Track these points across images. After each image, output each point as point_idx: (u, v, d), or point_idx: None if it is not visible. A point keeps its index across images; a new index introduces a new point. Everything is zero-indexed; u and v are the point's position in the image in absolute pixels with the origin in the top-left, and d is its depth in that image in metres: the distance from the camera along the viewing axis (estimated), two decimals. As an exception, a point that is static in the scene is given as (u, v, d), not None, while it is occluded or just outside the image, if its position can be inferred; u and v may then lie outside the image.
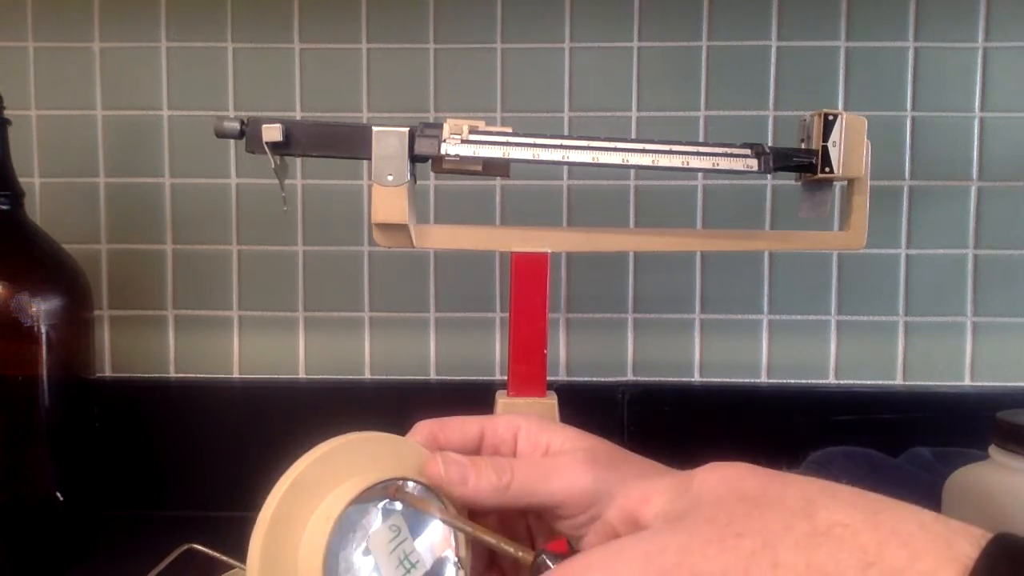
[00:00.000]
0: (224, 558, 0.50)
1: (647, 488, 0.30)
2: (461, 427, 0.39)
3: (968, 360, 0.71)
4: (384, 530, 0.32)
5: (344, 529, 0.31)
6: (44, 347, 0.57)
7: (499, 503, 0.33)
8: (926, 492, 0.44)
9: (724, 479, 0.28)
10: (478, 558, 0.37)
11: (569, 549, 0.32)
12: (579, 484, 0.34)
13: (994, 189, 0.70)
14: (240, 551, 0.50)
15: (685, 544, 0.26)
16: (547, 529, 0.37)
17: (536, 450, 0.37)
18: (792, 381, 0.72)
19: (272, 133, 0.49)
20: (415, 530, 0.33)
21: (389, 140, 0.49)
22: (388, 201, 0.49)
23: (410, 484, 0.34)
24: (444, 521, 0.33)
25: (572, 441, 0.37)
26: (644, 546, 0.27)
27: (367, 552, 0.32)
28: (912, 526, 0.24)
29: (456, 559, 0.34)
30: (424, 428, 0.38)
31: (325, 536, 0.30)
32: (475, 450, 0.39)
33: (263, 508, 0.31)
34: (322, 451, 0.33)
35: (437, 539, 0.34)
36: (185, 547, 0.51)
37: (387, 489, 0.33)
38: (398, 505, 0.33)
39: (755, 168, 0.51)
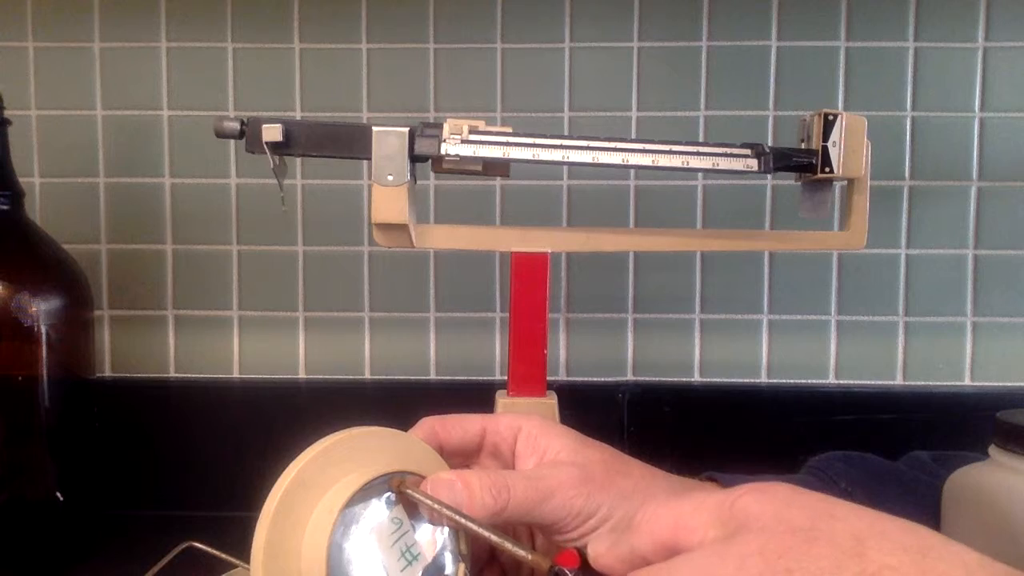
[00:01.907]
0: (225, 556, 0.50)
1: (679, 513, 0.29)
2: (463, 424, 0.39)
3: (968, 360, 0.71)
4: (386, 523, 0.33)
5: (347, 522, 0.31)
6: (44, 347, 0.57)
7: (494, 522, 0.33)
8: (925, 496, 0.44)
9: (770, 506, 0.27)
10: (479, 552, 0.37)
11: (581, 561, 0.32)
12: (574, 506, 0.34)
13: (994, 189, 0.70)
14: (241, 550, 0.50)
15: (734, 574, 0.25)
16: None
17: (534, 454, 0.37)
18: (792, 381, 0.72)
19: (272, 133, 0.49)
20: (417, 523, 0.33)
21: (389, 140, 0.49)
22: (388, 201, 0.49)
23: (411, 478, 0.34)
24: (442, 520, 0.33)
25: (569, 451, 0.37)
26: (693, 569, 0.26)
27: (370, 545, 0.32)
28: (958, 571, 0.24)
29: (457, 552, 0.34)
30: (426, 424, 0.39)
31: (328, 529, 0.31)
32: (476, 448, 0.39)
33: (267, 502, 0.31)
34: (325, 445, 0.33)
35: (438, 532, 0.34)
36: (185, 545, 0.51)
37: (389, 483, 0.33)
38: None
39: (755, 168, 0.51)
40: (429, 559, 0.33)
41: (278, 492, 0.31)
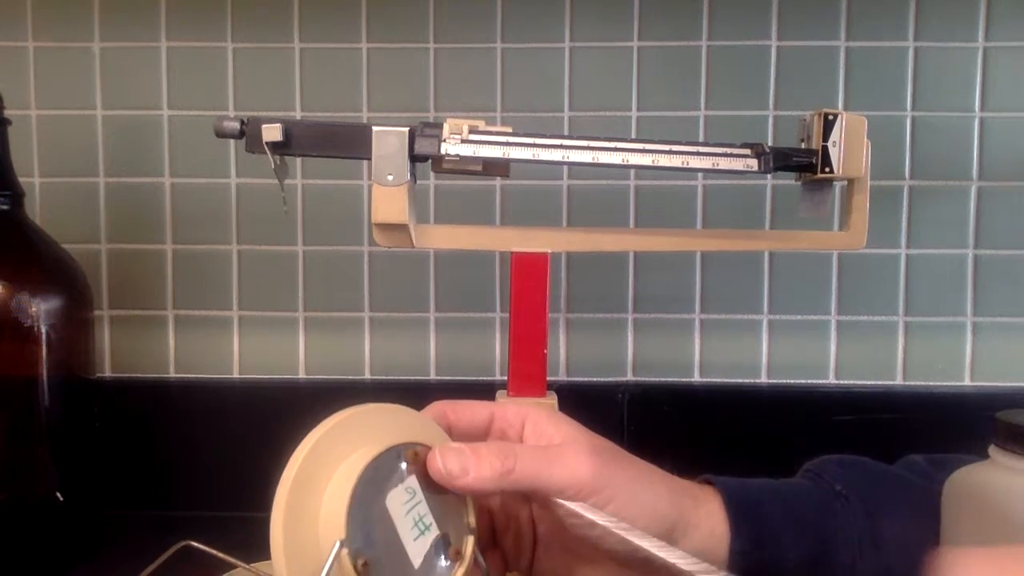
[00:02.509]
0: (221, 555, 0.50)
1: None
2: (472, 409, 0.40)
3: (968, 360, 0.71)
4: (400, 492, 0.34)
5: (364, 489, 0.32)
6: (44, 347, 0.57)
7: (502, 487, 0.34)
8: (920, 499, 0.44)
9: None
10: (481, 536, 0.38)
11: None
12: (581, 473, 0.35)
13: (994, 189, 0.70)
14: (240, 549, 0.50)
15: None
16: (549, 517, 0.37)
17: (541, 439, 0.38)
18: (792, 381, 0.72)
19: (272, 133, 0.49)
20: (429, 494, 0.34)
21: (389, 140, 0.49)
22: (388, 201, 0.49)
23: (424, 448, 0.35)
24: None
25: (577, 433, 0.38)
26: None
27: (385, 512, 0.33)
28: None
29: (466, 526, 0.36)
30: (437, 407, 0.40)
31: (347, 495, 0.32)
32: (483, 433, 0.40)
33: (286, 468, 0.32)
34: (341, 418, 0.34)
35: (450, 504, 0.35)
36: (182, 544, 0.51)
37: (404, 453, 0.34)
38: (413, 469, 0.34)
39: (755, 168, 0.51)
40: (440, 531, 0.34)
41: (298, 459, 0.32)
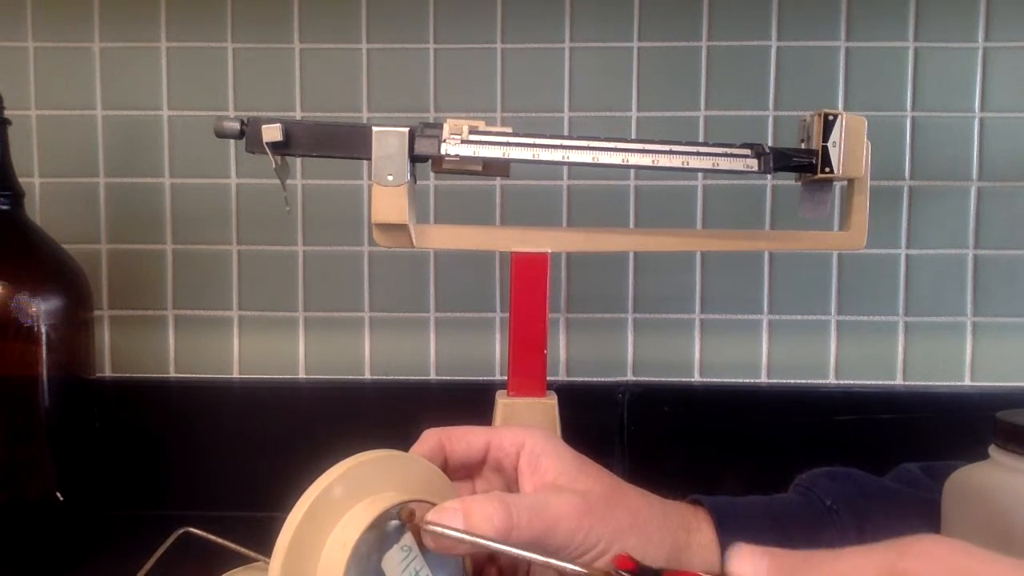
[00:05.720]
0: (220, 541, 0.50)
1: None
2: (467, 438, 0.40)
3: (968, 360, 0.71)
4: (396, 551, 0.34)
5: (359, 556, 0.32)
6: (44, 347, 0.57)
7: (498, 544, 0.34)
8: (914, 509, 0.44)
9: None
10: (478, 557, 0.38)
11: (636, 565, 0.33)
12: (575, 538, 0.35)
13: (994, 189, 0.70)
14: (237, 544, 0.50)
15: None
16: None
17: (535, 474, 0.38)
18: (792, 381, 0.72)
19: (272, 133, 0.49)
20: (424, 547, 0.34)
21: (389, 140, 0.49)
22: (388, 201, 0.49)
23: (420, 506, 0.34)
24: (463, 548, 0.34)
25: (569, 478, 0.38)
26: None
27: (381, 574, 0.33)
28: None
29: (461, 572, 0.36)
30: (432, 437, 0.39)
31: (342, 565, 0.32)
32: (479, 462, 0.40)
33: (280, 535, 0.32)
34: (334, 477, 0.34)
35: (444, 555, 0.35)
36: (182, 531, 0.52)
37: (399, 513, 0.34)
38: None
39: (755, 168, 0.51)
40: None
41: (291, 526, 0.32)
